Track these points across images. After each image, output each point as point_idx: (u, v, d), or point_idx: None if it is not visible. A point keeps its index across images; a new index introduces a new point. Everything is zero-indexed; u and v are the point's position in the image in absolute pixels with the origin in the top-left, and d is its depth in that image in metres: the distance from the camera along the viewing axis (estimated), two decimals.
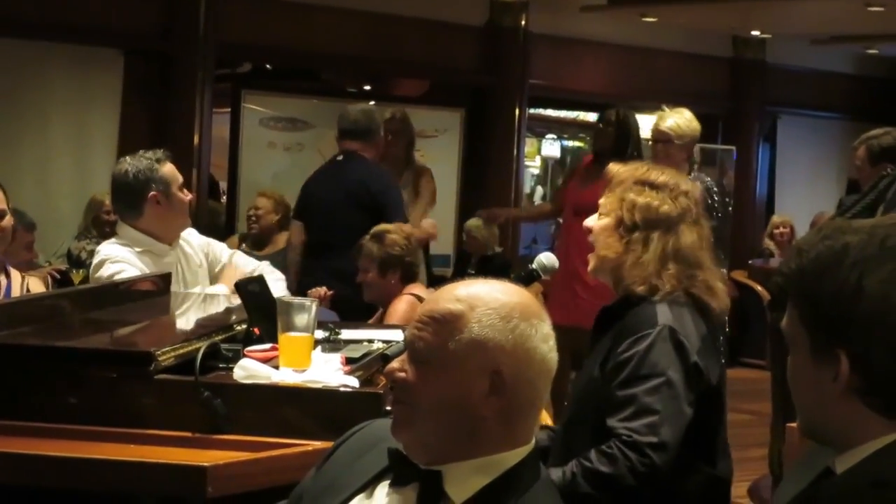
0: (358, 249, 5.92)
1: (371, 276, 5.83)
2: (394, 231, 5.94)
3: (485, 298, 2.32)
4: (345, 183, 6.99)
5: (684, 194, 3.46)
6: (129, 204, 4.94)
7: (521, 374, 2.29)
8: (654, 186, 3.45)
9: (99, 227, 9.20)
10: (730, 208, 14.04)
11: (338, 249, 6.57)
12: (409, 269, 5.83)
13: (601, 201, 3.51)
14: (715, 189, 6.54)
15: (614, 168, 3.55)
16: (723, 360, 6.38)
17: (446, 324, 2.30)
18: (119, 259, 4.78)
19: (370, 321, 5.91)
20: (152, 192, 4.90)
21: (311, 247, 7.05)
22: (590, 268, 3.53)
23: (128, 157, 5.05)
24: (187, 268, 4.96)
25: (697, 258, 3.43)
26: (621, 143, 7.40)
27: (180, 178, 5.03)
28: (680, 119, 6.64)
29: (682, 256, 3.39)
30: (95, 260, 4.90)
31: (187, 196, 5.02)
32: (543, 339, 2.33)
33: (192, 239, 5.07)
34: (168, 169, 4.97)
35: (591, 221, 3.51)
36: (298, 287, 6.66)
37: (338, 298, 6.29)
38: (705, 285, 3.41)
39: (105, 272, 4.75)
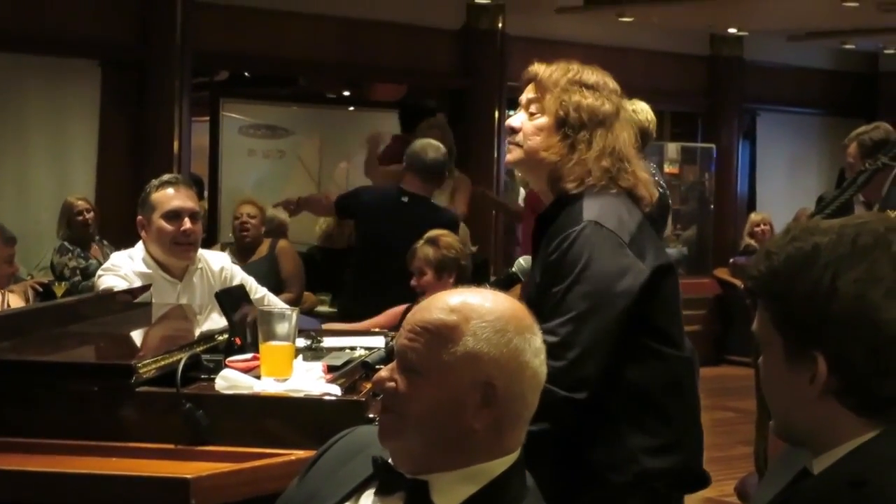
0: (411, 254, 5.89)
1: (427, 280, 5.83)
2: (447, 235, 5.98)
3: (479, 310, 2.30)
4: (417, 226, 6.58)
5: (615, 93, 3.42)
6: None
7: (513, 387, 2.28)
8: (589, 87, 3.38)
9: (75, 230, 9.18)
10: (711, 206, 14.24)
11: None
12: (463, 272, 5.85)
13: (529, 97, 3.42)
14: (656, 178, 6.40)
15: (542, 69, 3.43)
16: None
17: (440, 335, 2.28)
18: (120, 275, 4.74)
19: (395, 311, 5.85)
20: (139, 216, 4.87)
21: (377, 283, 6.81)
22: (513, 159, 3.43)
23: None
24: (200, 297, 4.84)
25: (629, 154, 3.38)
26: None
27: (169, 207, 4.80)
28: None
29: (617, 152, 3.35)
30: (105, 264, 4.90)
31: (177, 227, 4.78)
32: (535, 353, 2.32)
33: (213, 266, 4.95)
34: (159, 195, 4.82)
35: (518, 121, 3.41)
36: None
37: None
38: (634, 177, 3.36)
39: (102, 283, 4.74)
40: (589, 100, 3.36)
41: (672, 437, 3.27)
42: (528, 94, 3.43)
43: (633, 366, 3.22)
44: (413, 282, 5.87)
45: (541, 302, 3.16)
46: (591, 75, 3.42)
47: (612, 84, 3.44)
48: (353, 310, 6.85)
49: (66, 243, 9.15)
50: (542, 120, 3.37)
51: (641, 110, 6.45)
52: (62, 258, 9.05)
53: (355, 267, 7.26)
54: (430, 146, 7.12)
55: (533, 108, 3.40)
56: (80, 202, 9.31)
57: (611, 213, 3.25)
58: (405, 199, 6.95)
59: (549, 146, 3.35)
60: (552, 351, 3.05)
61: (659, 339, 3.28)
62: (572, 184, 3.30)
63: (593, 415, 3.17)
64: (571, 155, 3.32)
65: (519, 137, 3.40)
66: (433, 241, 5.89)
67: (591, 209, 3.24)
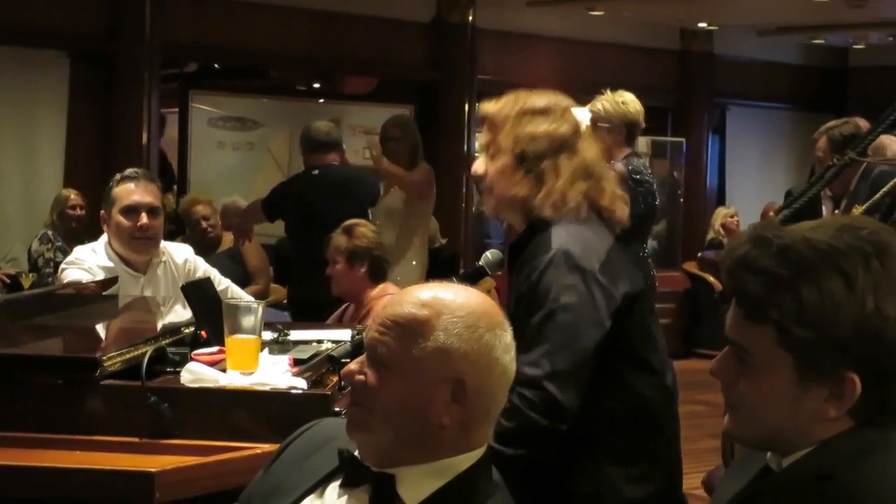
0: (327, 242, 5.90)
1: (339, 269, 5.81)
2: (364, 225, 5.96)
3: (450, 306, 2.29)
4: (348, 190, 7.14)
5: (568, 111, 3.35)
6: None
7: (483, 384, 2.27)
8: (540, 112, 3.30)
9: (64, 223, 9.13)
10: (681, 199, 14.28)
11: None
12: (376, 262, 5.82)
13: (483, 142, 3.35)
14: (645, 174, 6.36)
15: (490, 107, 3.36)
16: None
17: (411, 330, 2.27)
18: (84, 268, 4.71)
19: (335, 315, 5.90)
20: (101, 210, 4.85)
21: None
22: (489, 209, 3.39)
23: None
24: (164, 289, 4.80)
25: (600, 170, 3.33)
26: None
27: (127, 201, 4.75)
28: (608, 102, 6.45)
29: (590, 171, 3.29)
30: (68, 258, 4.87)
31: (134, 222, 4.73)
32: (505, 349, 2.32)
33: (177, 259, 4.91)
34: (119, 190, 4.78)
35: (481, 167, 3.34)
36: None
37: None
38: (611, 194, 3.32)
39: (66, 276, 4.70)
40: (543, 126, 3.28)
41: (651, 465, 3.26)
42: (485, 135, 3.36)
43: (611, 395, 3.20)
44: (328, 270, 5.88)
45: (517, 331, 3.13)
46: (541, 99, 3.34)
47: (563, 102, 3.36)
48: (300, 293, 6.95)
49: (49, 232, 9.07)
50: (501, 160, 3.30)
51: (629, 101, 6.43)
52: (41, 246, 8.98)
53: (292, 252, 7.58)
54: (320, 124, 7.61)
55: (491, 150, 3.32)
56: (72, 196, 9.25)
57: (579, 240, 3.20)
58: (316, 172, 7.36)
59: (514, 184, 3.28)
60: (533, 382, 3.05)
61: (635, 366, 3.26)
62: (549, 210, 3.23)
63: (573, 445, 3.16)
64: (541, 186, 3.25)
65: (486, 182, 3.33)
66: (347, 231, 5.88)
67: (560, 237, 3.18)
